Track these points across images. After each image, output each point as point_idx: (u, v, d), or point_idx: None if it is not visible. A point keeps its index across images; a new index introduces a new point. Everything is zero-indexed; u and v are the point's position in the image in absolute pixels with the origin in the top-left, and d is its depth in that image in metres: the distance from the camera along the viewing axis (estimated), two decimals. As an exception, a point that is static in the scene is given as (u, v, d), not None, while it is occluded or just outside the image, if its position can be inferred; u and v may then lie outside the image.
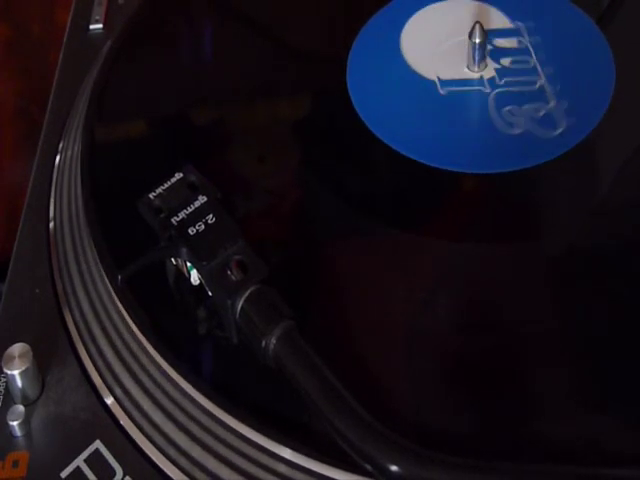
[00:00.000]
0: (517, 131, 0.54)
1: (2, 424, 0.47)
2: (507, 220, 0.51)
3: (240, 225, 0.47)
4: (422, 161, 0.53)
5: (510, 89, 0.56)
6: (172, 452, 0.46)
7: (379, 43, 0.59)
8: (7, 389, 0.48)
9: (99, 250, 0.51)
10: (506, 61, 0.57)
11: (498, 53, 0.57)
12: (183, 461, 0.45)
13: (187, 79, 0.59)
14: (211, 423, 0.45)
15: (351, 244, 0.51)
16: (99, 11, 0.66)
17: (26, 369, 0.47)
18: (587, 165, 0.53)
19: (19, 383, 0.47)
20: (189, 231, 0.46)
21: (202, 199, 0.48)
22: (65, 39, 0.65)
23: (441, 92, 0.56)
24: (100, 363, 0.49)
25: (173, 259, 0.48)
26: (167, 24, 0.63)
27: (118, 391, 0.48)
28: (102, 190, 0.53)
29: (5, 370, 0.47)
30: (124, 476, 0.46)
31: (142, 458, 0.46)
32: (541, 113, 0.54)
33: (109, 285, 0.50)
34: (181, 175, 0.49)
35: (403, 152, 0.53)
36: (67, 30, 0.66)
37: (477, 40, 0.56)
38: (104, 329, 0.50)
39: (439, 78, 0.57)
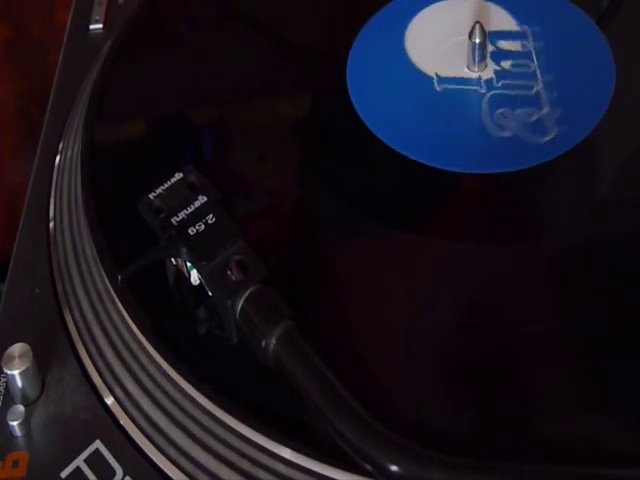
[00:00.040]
0: (506, 134, 0.54)
1: (2, 424, 0.47)
2: (506, 220, 0.51)
3: (240, 225, 0.47)
4: (421, 161, 0.53)
5: (506, 92, 0.56)
6: (172, 452, 0.46)
7: (381, 42, 0.59)
8: (7, 389, 0.48)
9: (99, 250, 0.51)
10: (507, 64, 0.57)
11: (500, 55, 0.57)
12: (183, 461, 0.45)
13: (187, 79, 0.59)
14: (211, 423, 0.45)
15: (351, 244, 0.51)
16: (99, 11, 0.66)
17: (26, 369, 0.47)
18: (585, 166, 0.53)
19: (19, 383, 0.47)
20: (189, 231, 0.46)
21: (202, 199, 0.48)
22: (65, 39, 0.66)
23: (437, 89, 0.56)
24: (100, 363, 0.49)
25: (173, 259, 0.48)
26: (167, 24, 0.63)
27: (118, 391, 0.48)
28: (102, 190, 0.53)
29: (5, 370, 0.47)
30: (124, 476, 0.46)
31: (142, 458, 0.46)
32: (533, 118, 0.54)
33: (109, 285, 0.50)
34: (181, 175, 0.49)
35: (402, 152, 0.53)
36: (67, 30, 0.66)
37: (477, 40, 0.56)
38: (104, 329, 0.50)
39: (437, 75, 0.57)
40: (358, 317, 0.48)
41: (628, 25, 0.59)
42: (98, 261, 0.51)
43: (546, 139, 0.53)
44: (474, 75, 0.57)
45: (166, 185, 0.49)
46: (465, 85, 0.56)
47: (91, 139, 0.56)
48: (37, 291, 0.52)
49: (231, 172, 0.54)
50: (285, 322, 0.44)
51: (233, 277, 0.45)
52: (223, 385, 0.45)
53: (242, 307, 0.44)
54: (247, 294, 0.45)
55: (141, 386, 0.47)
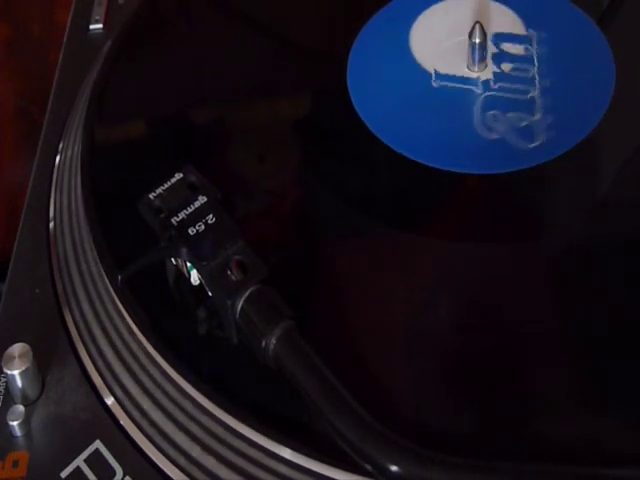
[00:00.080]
0: (493, 136, 0.54)
1: (2, 424, 0.47)
2: (506, 220, 0.51)
3: (240, 225, 0.47)
4: (420, 161, 0.53)
5: (501, 95, 0.55)
6: (172, 452, 0.46)
7: (383, 41, 0.59)
8: (7, 389, 0.48)
9: (99, 250, 0.51)
10: (507, 67, 0.57)
11: (502, 57, 0.57)
12: (183, 461, 0.45)
13: (187, 79, 0.59)
14: (211, 423, 0.45)
15: (351, 244, 0.51)
16: (99, 11, 0.66)
17: (26, 369, 0.47)
18: (585, 166, 0.53)
19: (19, 383, 0.47)
20: (189, 231, 0.46)
21: (202, 199, 0.48)
22: (65, 39, 0.66)
23: (434, 85, 0.56)
24: (100, 363, 0.49)
25: (173, 259, 0.48)
26: (167, 24, 0.63)
27: (118, 391, 0.48)
28: (102, 190, 0.53)
29: (5, 370, 0.47)
30: (124, 476, 0.46)
31: (142, 458, 0.46)
32: (523, 124, 0.54)
33: (109, 285, 0.50)
34: (181, 175, 0.49)
35: (402, 152, 0.53)
36: (67, 30, 0.66)
37: (476, 40, 0.56)
38: (104, 329, 0.50)
39: (436, 71, 0.57)
40: (358, 317, 0.48)
41: (628, 25, 0.59)
42: (98, 261, 0.51)
43: (533, 145, 0.53)
44: (473, 75, 0.57)
45: (166, 185, 0.49)
46: (462, 84, 0.56)
47: (91, 139, 0.56)
48: (37, 291, 0.52)
49: (231, 172, 0.54)
50: (285, 322, 0.44)
51: (233, 277, 0.45)
52: (223, 385, 0.45)
53: (242, 307, 0.44)
54: (247, 294, 0.45)
55: (141, 386, 0.47)
